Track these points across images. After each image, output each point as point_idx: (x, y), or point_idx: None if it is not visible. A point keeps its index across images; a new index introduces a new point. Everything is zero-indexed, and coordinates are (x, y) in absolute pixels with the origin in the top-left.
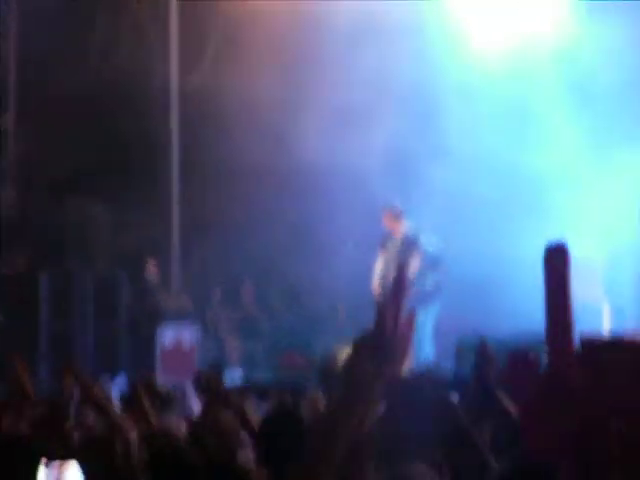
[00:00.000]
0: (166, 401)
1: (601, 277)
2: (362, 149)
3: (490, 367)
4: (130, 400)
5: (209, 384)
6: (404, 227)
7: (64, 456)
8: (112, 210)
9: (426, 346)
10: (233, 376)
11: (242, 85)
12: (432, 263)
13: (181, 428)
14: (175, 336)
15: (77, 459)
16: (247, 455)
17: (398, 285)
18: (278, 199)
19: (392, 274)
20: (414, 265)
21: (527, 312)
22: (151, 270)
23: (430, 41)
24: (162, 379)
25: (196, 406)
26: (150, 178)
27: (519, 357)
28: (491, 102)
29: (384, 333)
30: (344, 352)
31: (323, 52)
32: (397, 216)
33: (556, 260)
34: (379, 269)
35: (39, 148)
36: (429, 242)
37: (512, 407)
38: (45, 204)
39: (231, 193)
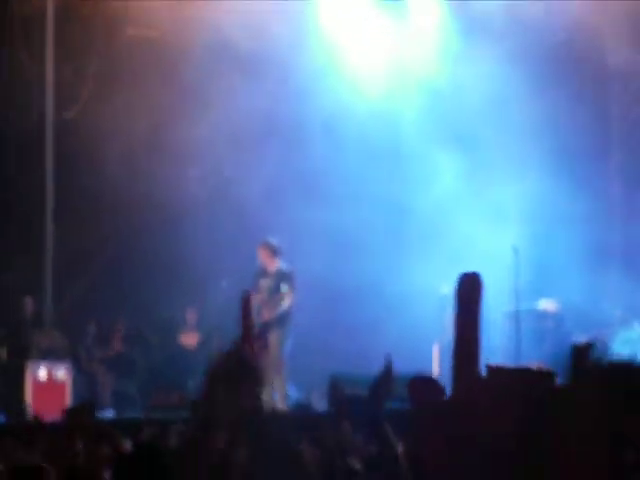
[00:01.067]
0: None
1: None
2: (240, 187)
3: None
4: None
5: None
6: (279, 263)
7: None
8: None
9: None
10: (105, 415)
11: (118, 122)
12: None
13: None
14: (47, 373)
15: None
16: None
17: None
18: (152, 235)
19: (267, 312)
20: (288, 299)
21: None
22: (27, 307)
23: (307, 72)
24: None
25: None
26: (24, 215)
27: (422, 382)
28: (367, 142)
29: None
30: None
31: (200, 84)
32: (273, 251)
33: (468, 291)
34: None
35: None
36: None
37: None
38: None
39: (106, 230)
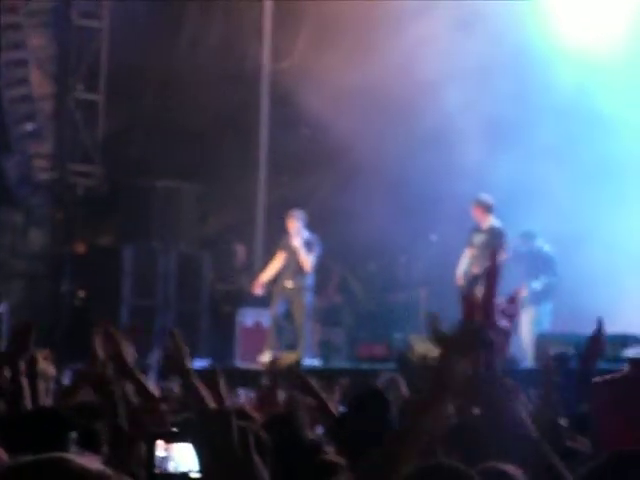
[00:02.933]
0: None
1: None
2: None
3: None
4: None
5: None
6: (492, 221)
7: (164, 435)
8: (200, 191)
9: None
10: (310, 363)
11: (332, 72)
12: (544, 263)
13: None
14: (255, 318)
15: (187, 438)
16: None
17: (490, 274)
18: (364, 188)
19: (478, 267)
20: (499, 258)
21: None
22: (239, 255)
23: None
24: (240, 360)
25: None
26: (239, 161)
27: None
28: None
29: (474, 328)
30: (423, 344)
31: (413, 42)
32: (486, 208)
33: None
34: (464, 263)
35: (129, 127)
36: (542, 243)
37: None
38: (134, 182)
39: (315, 180)
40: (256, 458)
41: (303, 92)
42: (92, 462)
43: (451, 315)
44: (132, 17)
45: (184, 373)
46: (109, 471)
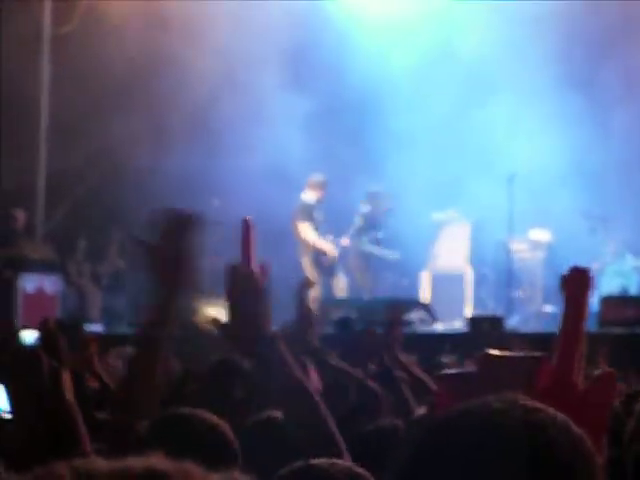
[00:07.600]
0: None
1: (466, 243)
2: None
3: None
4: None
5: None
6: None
7: None
8: None
9: None
10: (93, 329)
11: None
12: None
13: None
14: (37, 284)
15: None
16: None
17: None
18: (153, 150)
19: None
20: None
21: None
22: (18, 220)
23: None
24: (22, 325)
25: None
26: (18, 126)
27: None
28: None
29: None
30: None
31: None
32: (321, 185)
33: (577, 284)
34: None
35: None
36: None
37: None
38: None
39: (98, 146)
40: (69, 396)
41: (83, 57)
42: None
43: None
44: None
45: None
46: None
